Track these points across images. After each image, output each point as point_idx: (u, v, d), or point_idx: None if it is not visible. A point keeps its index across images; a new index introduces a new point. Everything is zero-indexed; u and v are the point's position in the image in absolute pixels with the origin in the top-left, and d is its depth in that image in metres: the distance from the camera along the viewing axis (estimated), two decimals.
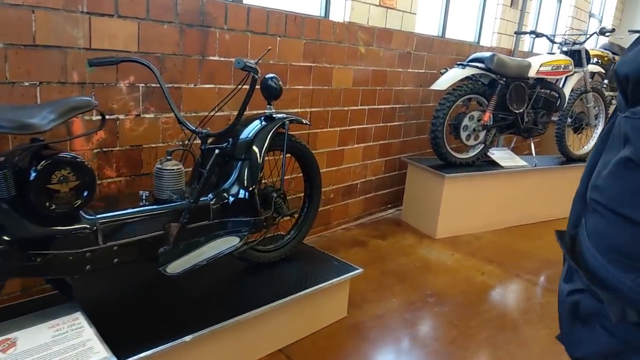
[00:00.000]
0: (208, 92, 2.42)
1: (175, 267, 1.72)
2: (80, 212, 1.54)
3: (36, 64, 1.83)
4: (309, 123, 2.30)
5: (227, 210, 1.91)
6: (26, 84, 1.82)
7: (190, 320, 1.75)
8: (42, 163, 1.41)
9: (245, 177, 1.95)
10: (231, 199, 1.92)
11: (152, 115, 2.22)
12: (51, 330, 1.55)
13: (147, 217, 1.69)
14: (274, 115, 2.11)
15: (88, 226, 1.54)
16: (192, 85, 2.35)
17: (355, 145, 3.44)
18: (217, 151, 1.86)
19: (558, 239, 0.76)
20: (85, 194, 1.50)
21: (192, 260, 1.76)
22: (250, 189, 1.93)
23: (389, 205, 3.98)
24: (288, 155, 2.20)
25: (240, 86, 1.89)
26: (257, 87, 2.14)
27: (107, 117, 2.07)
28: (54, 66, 1.88)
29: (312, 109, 3.04)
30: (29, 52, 1.80)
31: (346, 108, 3.27)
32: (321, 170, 2.78)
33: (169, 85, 2.26)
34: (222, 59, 2.44)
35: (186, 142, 2.00)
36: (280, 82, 2.08)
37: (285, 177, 2.65)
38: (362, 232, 3.49)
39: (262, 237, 2.07)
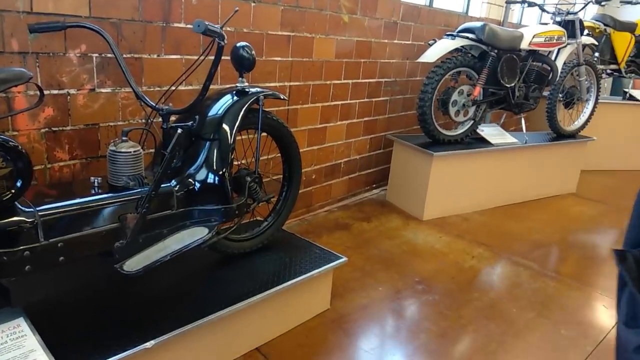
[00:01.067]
0: (173, 64, 2.17)
1: (133, 264, 1.51)
2: (16, 203, 1.31)
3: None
4: (286, 98, 2.08)
5: (193, 197, 1.69)
6: None
7: (153, 324, 1.54)
8: None
9: (215, 160, 1.72)
10: (198, 184, 1.70)
11: (109, 90, 1.97)
12: None
13: (99, 208, 1.46)
14: (247, 90, 1.88)
15: (25, 220, 1.31)
16: (154, 56, 2.09)
17: (339, 123, 3.23)
18: (179, 130, 1.62)
19: (618, 262, 0.56)
20: (18, 183, 1.27)
21: (153, 256, 1.54)
22: (220, 172, 1.71)
23: (374, 186, 3.80)
24: (264, 134, 1.98)
25: (204, 56, 1.64)
26: (226, 57, 1.91)
27: (55, 92, 1.82)
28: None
29: (292, 83, 2.80)
30: None
31: (328, 82, 3.04)
32: (302, 150, 2.57)
33: (128, 55, 2.00)
34: (188, 26, 2.18)
35: (146, 120, 1.76)
36: (253, 52, 1.85)
37: (261, 158, 2.43)
38: (346, 215, 3.30)
39: (235, 225, 1.86)
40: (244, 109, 1.82)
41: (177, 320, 1.57)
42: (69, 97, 1.86)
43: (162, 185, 1.60)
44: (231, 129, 1.76)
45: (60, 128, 1.86)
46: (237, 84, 1.88)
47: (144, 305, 1.66)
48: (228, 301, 1.72)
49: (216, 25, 1.48)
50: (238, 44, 1.83)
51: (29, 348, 1.34)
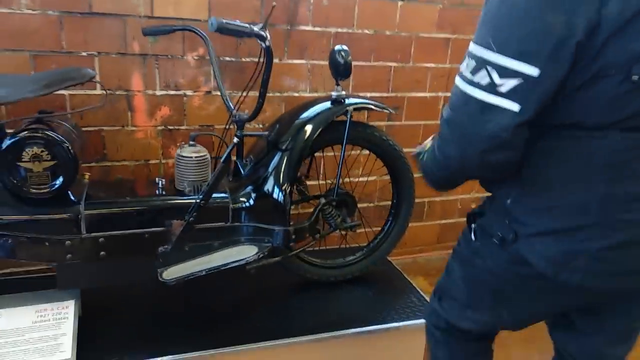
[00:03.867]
0: (297, 69, 2.06)
1: (173, 272, 1.46)
2: (67, 194, 1.39)
3: (94, 33, 1.76)
4: (393, 111, 1.75)
5: (250, 212, 1.56)
6: (84, 54, 1.77)
7: (197, 337, 1.48)
8: (14, 138, 1.28)
9: (281, 174, 1.55)
10: (256, 199, 1.56)
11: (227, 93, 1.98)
12: (35, 315, 1.46)
13: (144, 209, 1.46)
14: (341, 100, 1.64)
15: (70, 212, 1.38)
16: (275, 61, 2.02)
17: None
18: (235, 140, 1.51)
19: None
20: (61, 177, 1.34)
21: (190, 269, 1.47)
22: (283, 188, 1.53)
23: None
24: (366, 151, 1.71)
25: (263, 60, 1.47)
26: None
27: (172, 92, 1.91)
28: (112, 36, 1.78)
29: (448, 94, 2.39)
30: (86, 20, 1.73)
31: None
32: None
33: (247, 59, 1.98)
34: (317, 28, 2.04)
35: (225, 127, 1.69)
36: (350, 57, 1.60)
37: (365, 179, 2.15)
38: None
39: (301, 249, 1.65)
40: (327, 120, 1.59)
41: (225, 337, 1.48)
42: (185, 98, 1.94)
43: (217, 196, 1.51)
44: (305, 141, 1.56)
45: (176, 127, 1.96)
46: (332, 93, 1.66)
47: (196, 314, 1.61)
48: (284, 332, 1.54)
49: (257, 24, 1.30)
50: (335, 48, 1.61)
51: (62, 331, 1.42)
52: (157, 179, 1.57)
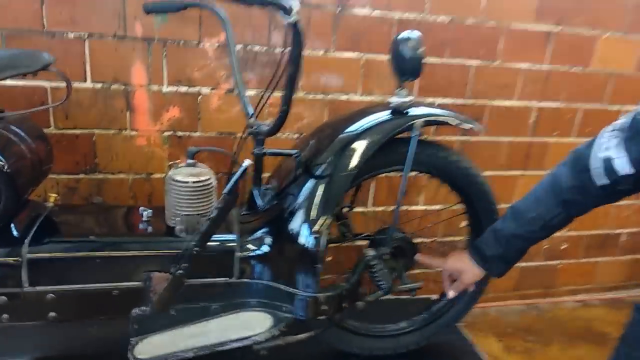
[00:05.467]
0: (347, 64, 1.58)
1: (147, 349, 1.02)
2: (4, 230, 0.98)
3: (83, 10, 1.35)
4: (478, 127, 1.23)
5: (266, 264, 1.09)
6: (71, 35, 1.36)
7: None
8: None
9: (314, 211, 1.07)
10: (275, 245, 1.09)
11: (252, 92, 1.53)
12: None
13: (114, 256, 1.02)
14: (404, 109, 1.15)
15: (5, 255, 0.96)
16: (320, 53, 1.55)
17: None
18: (247, 162, 1.04)
19: None
20: None
21: (172, 345, 1.02)
22: (315, 231, 1.06)
23: None
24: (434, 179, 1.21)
25: (290, 48, 0.99)
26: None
27: (184, 89, 1.48)
28: (107, 13, 1.37)
29: (544, 104, 1.83)
30: None
31: (616, 107, 1.91)
32: None
33: (280, 48, 1.51)
34: (375, 12, 1.55)
35: (240, 140, 1.24)
36: (421, 50, 1.10)
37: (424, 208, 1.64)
38: (611, 316, 2.09)
39: (333, 323, 1.17)
40: (384, 137, 1.10)
41: None
42: (200, 97, 1.50)
43: (219, 238, 1.06)
44: (351, 166, 1.08)
45: (187, 133, 1.53)
46: (392, 98, 1.16)
47: None
48: None
49: None
50: (401, 36, 1.11)
51: None
52: (141, 209, 1.13)
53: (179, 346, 1.02)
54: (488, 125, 1.78)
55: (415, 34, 1.10)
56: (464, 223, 1.39)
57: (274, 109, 1.54)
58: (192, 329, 1.05)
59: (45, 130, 1.42)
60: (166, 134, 1.51)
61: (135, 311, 1.04)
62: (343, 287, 1.10)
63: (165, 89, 1.47)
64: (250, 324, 1.06)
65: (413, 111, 1.15)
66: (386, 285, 1.15)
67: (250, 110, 1.18)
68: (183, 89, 1.48)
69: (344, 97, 1.61)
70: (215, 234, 1.04)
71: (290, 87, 0.95)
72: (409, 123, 1.11)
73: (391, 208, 1.76)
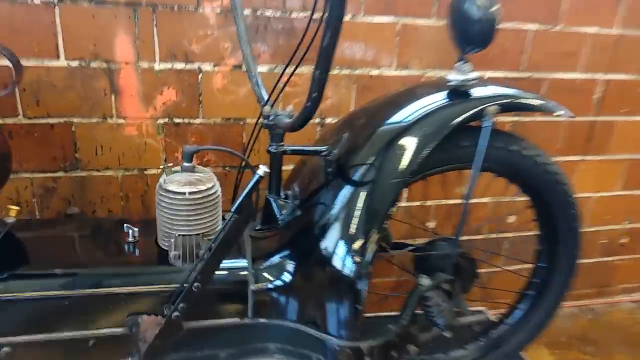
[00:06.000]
0: (379, 32, 1.29)
1: None
2: None
3: None
4: (568, 114, 0.94)
5: (289, 298, 0.83)
6: (36, 0, 1.08)
7: None
8: None
9: (353, 227, 0.81)
10: (303, 272, 0.83)
11: (264, 68, 1.25)
12: None
13: (87, 296, 0.77)
14: (467, 90, 0.86)
15: None
16: (347, 18, 1.25)
17: None
18: (260, 173, 0.77)
19: None
20: None
21: None
22: (356, 256, 0.79)
23: None
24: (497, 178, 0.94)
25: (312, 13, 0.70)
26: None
27: (180, 65, 1.20)
28: None
29: (613, 76, 1.53)
30: None
31: None
32: (612, 193, 1.44)
33: (301, 15, 1.22)
34: None
35: (252, 133, 0.97)
36: (495, 9, 0.81)
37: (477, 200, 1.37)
38: None
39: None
40: (446, 129, 0.82)
41: None
42: (200, 74, 1.22)
43: (228, 266, 0.80)
44: (403, 167, 0.80)
45: (187, 120, 1.26)
46: (451, 75, 0.88)
47: None
48: None
49: None
50: None
51: None
52: (126, 227, 0.87)
53: None
54: None
55: None
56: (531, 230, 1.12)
57: (294, 90, 1.25)
58: None
59: (12, 121, 1.16)
60: (161, 121, 1.24)
61: None
62: (392, 332, 0.84)
63: (158, 66, 1.19)
64: None
65: (478, 92, 0.87)
66: (442, 321, 0.89)
67: (264, 94, 0.91)
68: (179, 65, 1.20)
69: (375, 72, 1.32)
70: (221, 263, 0.78)
71: (324, 65, 0.67)
72: (479, 109, 0.82)
73: (429, 203, 1.49)
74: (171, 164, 0.84)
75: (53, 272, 0.77)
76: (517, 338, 1.13)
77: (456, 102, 0.85)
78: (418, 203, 1.49)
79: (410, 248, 1.01)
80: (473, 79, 0.87)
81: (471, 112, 0.83)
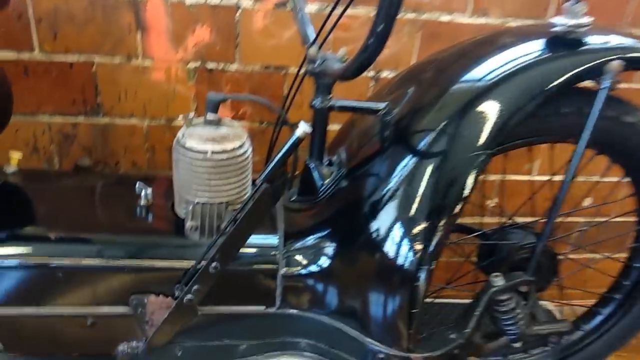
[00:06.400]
0: None
1: None
2: None
3: None
4: None
5: (327, 288, 0.67)
6: None
7: None
8: None
9: (416, 207, 0.63)
10: (346, 255, 0.67)
11: (314, 8, 1.05)
12: None
13: (86, 268, 0.63)
14: (579, 36, 0.65)
15: None
16: None
17: None
18: (301, 131, 0.60)
19: None
20: None
21: None
22: (418, 240, 0.62)
23: None
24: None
25: None
26: None
27: (216, 0, 1.03)
28: None
29: None
30: None
31: None
32: None
33: None
34: None
35: (294, 81, 0.79)
36: None
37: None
38: None
39: None
40: (549, 90, 0.62)
41: None
42: (239, 11, 1.04)
43: (255, 242, 0.64)
44: (483, 139, 0.61)
45: (221, 65, 1.09)
46: (557, 18, 0.66)
47: None
48: None
49: None
50: None
51: None
52: (138, 185, 0.72)
53: None
54: None
55: None
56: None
57: (347, 35, 1.06)
58: None
59: (28, 56, 1.03)
60: (192, 65, 1.08)
61: (122, 349, 0.67)
62: (454, 343, 0.68)
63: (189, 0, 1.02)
64: None
65: (594, 41, 0.65)
66: (518, 331, 0.71)
67: (312, 34, 0.72)
68: (215, 0, 1.03)
69: (445, 18, 1.11)
70: (246, 241, 0.62)
71: (391, 3, 0.48)
72: (596, 63, 0.61)
73: (493, 177, 1.29)
74: (193, 114, 0.68)
75: (46, 236, 0.64)
76: (592, 348, 0.94)
77: (563, 53, 0.64)
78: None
79: (477, 234, 0.83)
80: (586, 25, 0.65)
81: (585, 66, 0.62)
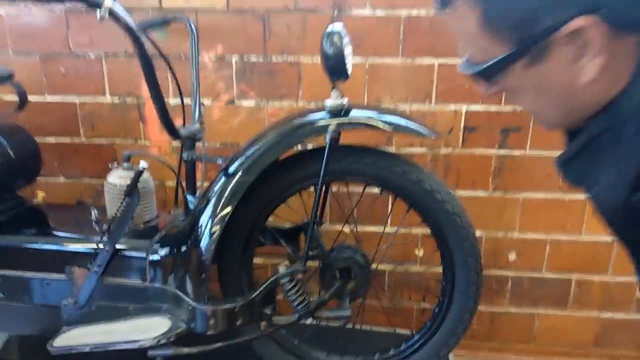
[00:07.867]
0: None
1: (64, 338, 1.08)
2: None
3: (100, 32, 1.53)
4: (427, 133, 1.02)
5: (177, 268, 1.07)
6: (91, 55, 1.55)
7: None
8: None
9: (211, 213, 1.02)
10: (185, 249, 1.06)
11: (250, 104, 1.54)
12: None
13: (43, 250, 1.11)
14: (339, 112, 1.03)
15: None
16: (315, 60, 1.48)
17: None
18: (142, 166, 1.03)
19: None
20: None
21: (82, 337, 1.06)
22: (210, 236, 1.00)
23: None
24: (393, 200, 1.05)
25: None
26: None
27: (188, 101, 1.56)
28: (119, 34, 1.52)
29: None
30: (91, 17, 1.51)
31: None
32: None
33: (279, 58, 1.49)
34: (377, 13, 1.43)
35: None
36: (345, 43, 0.98)
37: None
38: None
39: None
40: (284, 146, 1.01)
41: None
42: (202, 109, 1.56)
43: (139, 244, 1.08)
44: (250, 168, 1.00)
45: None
46: (327, 101, 1.05)
47: None
48: None
49: None
50: (327, 29, 1.01)
51: None
52: (91, 209, 1.21)
53: (83, 341, 1.05)
54: (534, 137, 1.47)
55: (337, 26, 0.98)
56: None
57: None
58: (106, 327, 1.08)
59: (76, 140, 1.63)
60: (175, 144, 1.60)
61: (64, 302, 1.12)
62: (236, 302, 1.01)
63: (172, 101, 1.56)
64: (150, 328, 1.04)
65: (322, 118, 1.02)
66: (301, 307, 1.01)
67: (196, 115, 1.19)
68: (187, 100, 1.55)
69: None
70: (121, 234, 1.06)
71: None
72: (323, 128, 0.98)
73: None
74: (114, 164, 1.17)
75: (23, 235, 1.14)
76: (426, 349, 1.15)
77: (316, 120, 1.02)
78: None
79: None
80: (340, 103, 1.02)
81: (311, 132, 0.99)
